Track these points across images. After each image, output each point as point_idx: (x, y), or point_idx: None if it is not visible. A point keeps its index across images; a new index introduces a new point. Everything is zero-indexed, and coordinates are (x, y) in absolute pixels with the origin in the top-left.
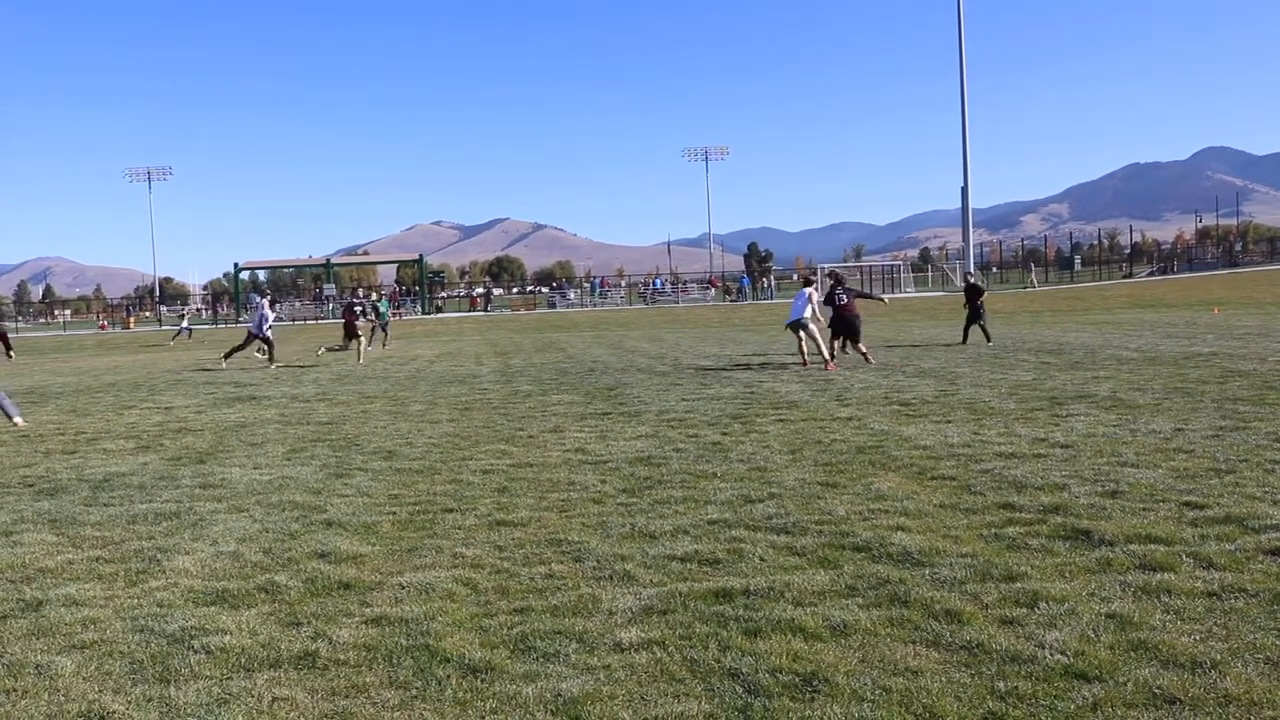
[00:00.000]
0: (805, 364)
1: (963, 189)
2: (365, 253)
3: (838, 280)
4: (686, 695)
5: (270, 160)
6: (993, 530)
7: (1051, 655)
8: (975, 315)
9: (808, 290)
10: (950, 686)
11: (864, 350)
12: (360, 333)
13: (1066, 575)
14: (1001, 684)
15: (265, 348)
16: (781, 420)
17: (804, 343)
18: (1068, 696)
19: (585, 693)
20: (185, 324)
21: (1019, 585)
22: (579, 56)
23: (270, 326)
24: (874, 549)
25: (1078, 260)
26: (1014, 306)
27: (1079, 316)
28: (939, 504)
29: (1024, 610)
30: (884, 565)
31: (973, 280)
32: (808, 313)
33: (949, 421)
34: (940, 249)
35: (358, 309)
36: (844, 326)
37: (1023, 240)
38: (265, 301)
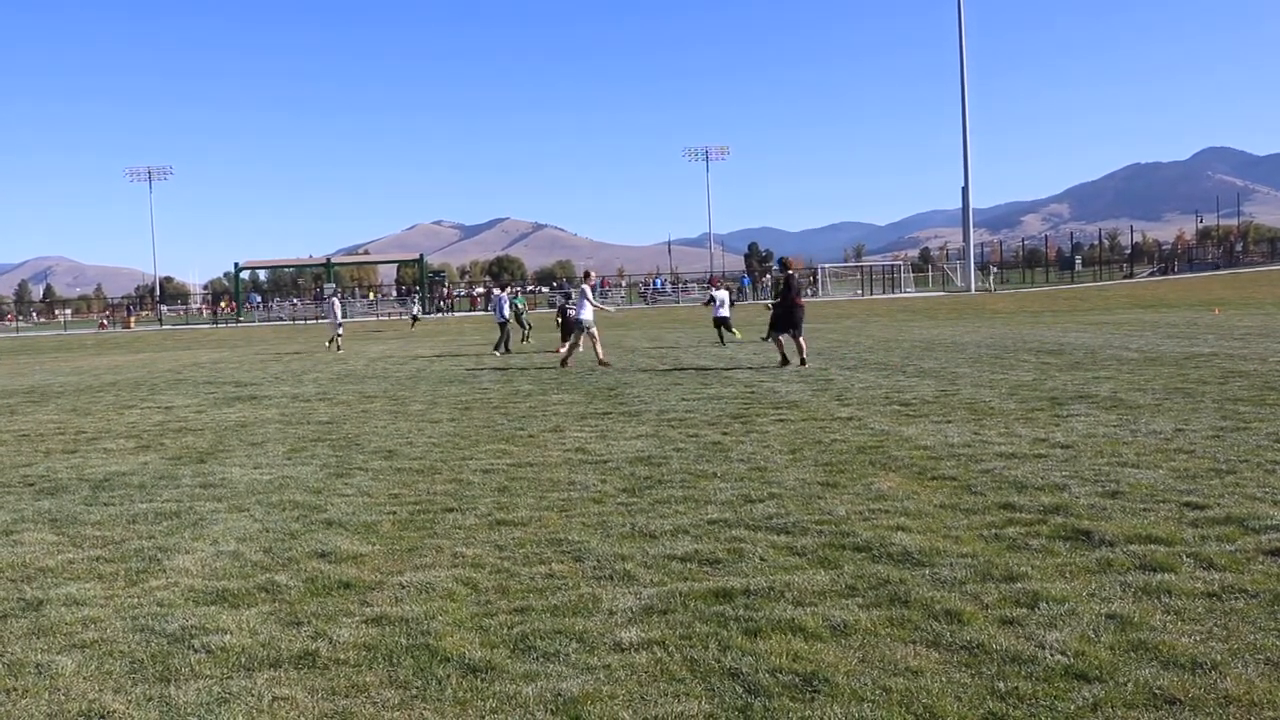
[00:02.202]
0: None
1: (963, 189)
2: (366, 252)
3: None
4: (686, 695)
5: (271, 159)
6: (993, 530)
7: (1052, 655)
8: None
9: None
10: (950, 687)
11: (803, 345)
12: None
13: (1067, 575)
14: (1002, 684)
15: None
16: (782, 420)
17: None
18: (1068, 697)
19: (585, 692)
20: (416, 309)
21: (1019, 585)
22: (579, 56)
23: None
24: (874, 549)
25: (1078, 260)
26: (1014, 307)
27: (1079, 317)
28: (939, 504)
29: (1024, 610)
30: (884, 565)
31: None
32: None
33: (949, 422)
34: (941, 249)
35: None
36: (790, 319)
37: (1023, 240)
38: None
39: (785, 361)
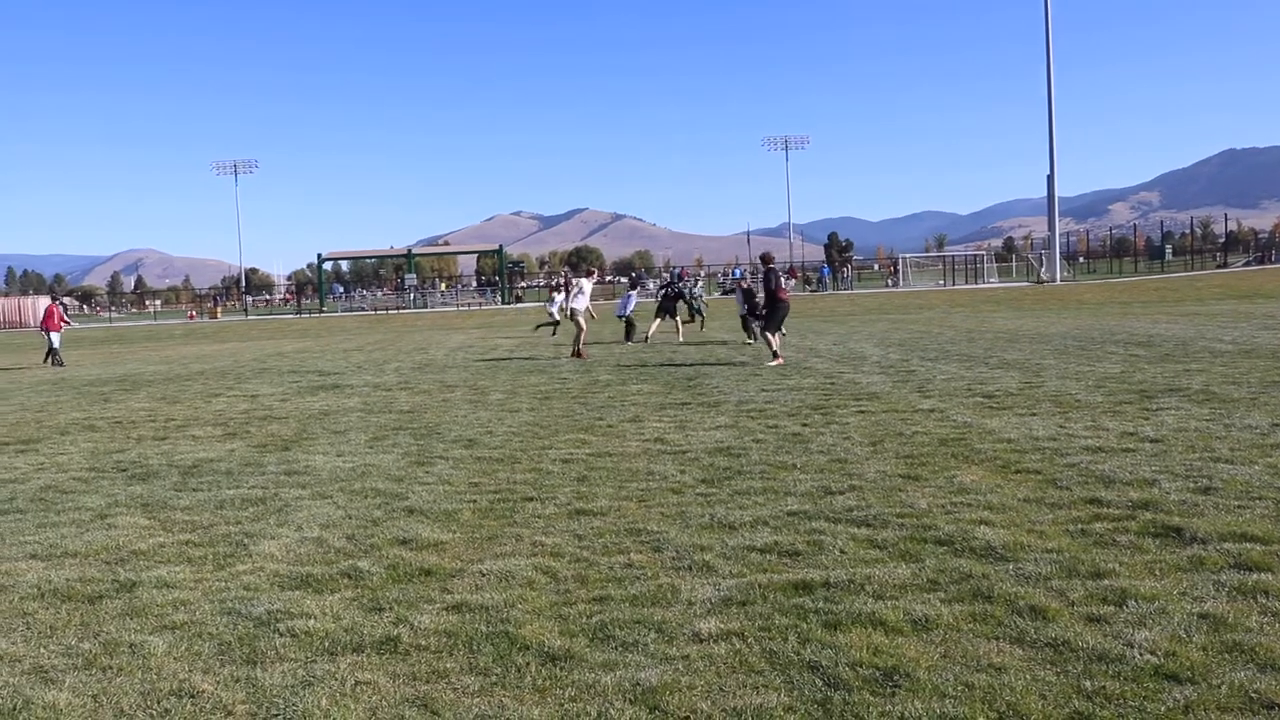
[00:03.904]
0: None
1: (1048, 177)
2: (446, 243)
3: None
4: (765, 687)
5: (353, 152)
6: (1079, 526)
7: (1141, 655)
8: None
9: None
10: (1035, 684)
11: (775, 340)
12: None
13: (1156, 573)
14: (1088, 683)
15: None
16: (862, 411)
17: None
18: (1158, 698)
19: (664, 682)
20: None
21: (1106, 582)
22: (659, 47)
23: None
24: (956, 543)
25: (1169, 250)
26: (1102, 297)
27: (1170, 308)
28: (1023, 498)
29: (1112, 608)
30: (967, 559)
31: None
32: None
33: (1034, 414)
34: (1025, 238)
35: (673, 292)
36: (775, 314)
37: (1111, 229)
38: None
39: (776, 356)
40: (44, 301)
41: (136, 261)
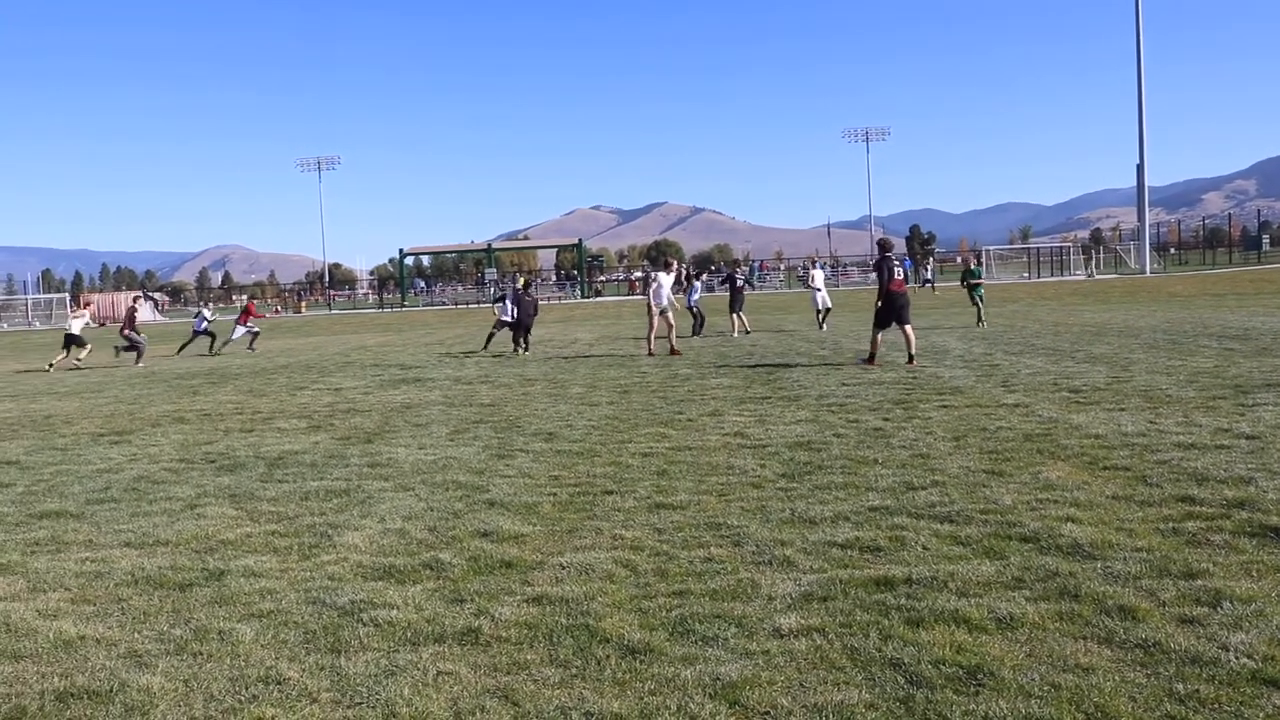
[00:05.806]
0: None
1: (1138, 166)
2: (526, 237)
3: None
4: (847, 684)
5: (434, 147)
6: (1170, 524)
7: (1237, 659)
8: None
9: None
10: (1124, 686)
11: (910, 337)
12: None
13: (1253, 574)
14: (1181, 686)
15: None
16: (945, 406)
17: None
18: (1255, 704)
19: (744, 677)
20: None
21: (1200, 583)
22: (739, 41)
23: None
24: (1042, 540)
25: (1266, 240)
26: (1193, 289)
27: (1267, 300)
28: (1112, 495)
29: (1205, 610)
30: (1053, 557)
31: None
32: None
33: (1122, 409)
34: (1113, 230)
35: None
36: (887, 310)
37: (1204, 220)
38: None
39: (871, 359)
40: (127, 298)
41: (223, 257)
